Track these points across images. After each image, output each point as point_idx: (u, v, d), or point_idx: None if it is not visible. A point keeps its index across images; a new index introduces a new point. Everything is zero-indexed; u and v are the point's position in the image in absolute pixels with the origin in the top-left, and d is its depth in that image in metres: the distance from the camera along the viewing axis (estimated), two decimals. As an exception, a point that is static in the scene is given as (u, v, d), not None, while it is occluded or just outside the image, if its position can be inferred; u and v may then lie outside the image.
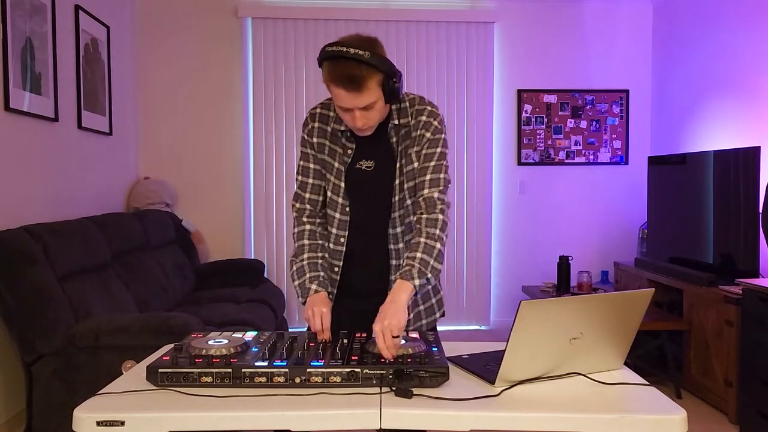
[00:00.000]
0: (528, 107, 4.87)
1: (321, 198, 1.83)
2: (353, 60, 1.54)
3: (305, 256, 1.78)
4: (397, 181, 1.75)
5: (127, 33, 4.49)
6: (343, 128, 1.74)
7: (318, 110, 1.80)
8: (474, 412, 1.25)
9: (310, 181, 1.81)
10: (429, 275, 1.62)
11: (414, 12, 4.70)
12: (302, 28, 4.65)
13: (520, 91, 4.86)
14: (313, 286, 1.71)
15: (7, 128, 2.94)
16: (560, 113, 4.88)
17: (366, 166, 1.76)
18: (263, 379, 1.35)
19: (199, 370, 1.36)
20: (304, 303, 1.71)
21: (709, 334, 3.36)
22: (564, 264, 4.23)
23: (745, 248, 3.30)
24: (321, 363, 1.38)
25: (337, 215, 1.79)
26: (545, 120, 4.88)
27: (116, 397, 1.32)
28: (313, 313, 1.65)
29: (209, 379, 1.36)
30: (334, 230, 1.80)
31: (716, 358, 3.30)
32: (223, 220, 4.74)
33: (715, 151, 3.57)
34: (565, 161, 4.90)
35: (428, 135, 1.73)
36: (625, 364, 1.58)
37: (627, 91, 4.92)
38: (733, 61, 3.88)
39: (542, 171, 4.92)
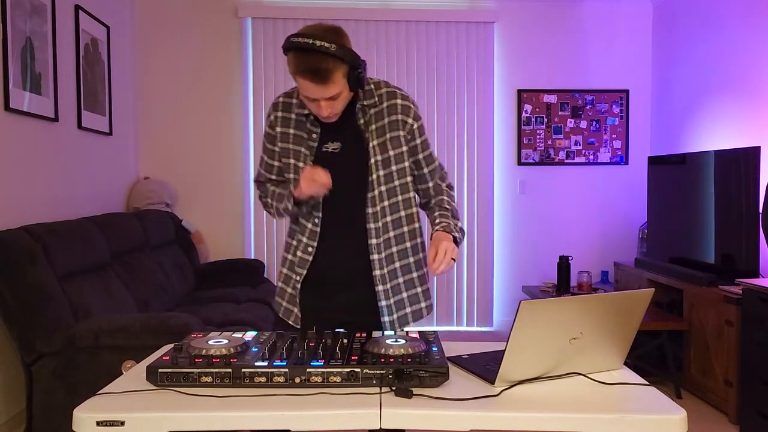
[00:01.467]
0: (528, 107, 4.87)
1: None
2: (319, 52, 1.56)
3: (272, 188, 1.86)
4: (372, 160, 1.76)
5: (127, 33, 4.49)
6: (306, 112, 1.77)
7: (281, 99, 1.82)
8: (474, 412, 1.25)
9: (262, 172, 1.89)
10: (458, 236, 1.78)
11: (414, 12, 4.70)
12: (302, 28, 4.64)
13: (520, 91, 4.86)
14: (291, 186, 1.75)
15: (7, 128, 2.94)
16: (560, 113, 4.88)
17: (332, 149, 1.77)
18: (263, 379, 1.35)
19: (199, 370, 1.36)
20: (294, 204, 1.75)
21: (709, 334, 3.36)
22: (564, 264, 4.23)
23: (745, 248, 3.30)
24: (321, 363, 1.38)
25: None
26: (545, 120, 4.88)
27: (116, 397, 1.32)
28: (307, 174, 1.66)
29: (209, 379, 1.36)
30: (309, 210, 1.80)
31: (716, 358, 3.30)
32: (223, 220, 4.74)
33: (715, 151, 3.57)
34: (565, 161, 4.90)
35: (411, 120, 1.78)
36: (625, 364, 1.58)
37: (627, 91, 4.92)
38: (733, 61, 3.88)
39: (542, 171, 4.92)
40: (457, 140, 4.79)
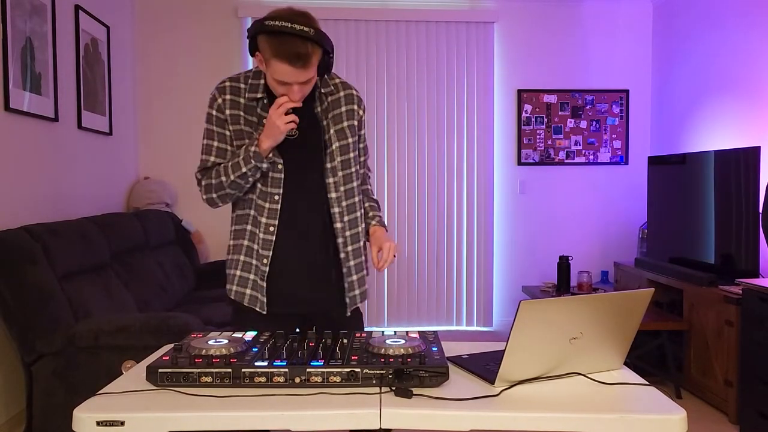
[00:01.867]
0: (528, 107, 4.87)
1: None
2: (299, 37, 1.57)
3: (222, 162, 1.78)
4: (331, 148, 1.81)
5: (127, 33, 4.49)
6: (259, 96, 1.76)
7: (227, 84, 1.80)
8: (474, 412, 1.25)
9: (212, 159, 1.80)
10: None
11: (414, 12, 4.70)
12: (302, 28, 4.64)
13: (520, 91, 4.86)
14: (253, 145, 1.70)
15: (7, 128, 2.94)
16: (560, 113, 4.89)
17: (289, 135, 1.78)
18: (263, 379, 1.35)
19: (199, 370, 1.36)
20: (258, 162, 1.69)
21: (709, 334, 3.36)
22: (564, 264, 4.23)
23: (745, 248, 3.30)
24: (321, 363, 1.38)
25: (269, 173, 1.77)
26: (545, 120, 4.88)
27: (116, 397, 1.32)
28: (272, 113, 1.65)
29: (209, 379, 1.36)
30: (262, 187, 1.79)
31: (716, 358, 3.30)
32: (223, 220, 4.74)
33: (715, 151, 3.57)
34: (565, 161, 4.90)
35: (361, 111, 1.87)
36: (625, 364, 1.58)
37: (627, 91, 4.92)
38: (733, 61, 3.88)
39: (542, 171, 4.92)
40: (457, 140, 4.79)
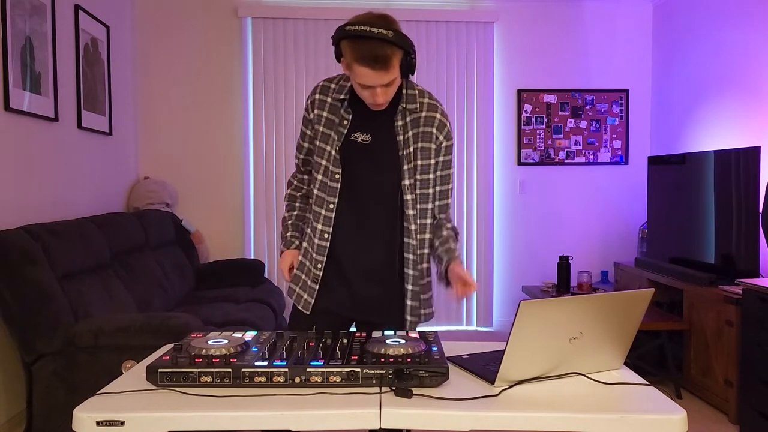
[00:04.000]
0: (528, 107, 4.87)
1: (307, 176, 1.98)
2: (378, 39, 1.58)
3: (285, 214, 2.02)
4: (408, 166, 1.79)
5: (127, 33, 4.49)
6: (342, 97, 1.79)
7: (321, 83, 1.85)
8: (474, 412, 1.25)
9: (301, 156, 1.93)
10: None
11: (414, 12, 4.70)
12: (302, 28, 4.65)
13: (520, 91, 4.86)
14: (283, 245, 1.99)
15: (7, 128, 2.94)
16: (560, 113, 4.89)
17: (362, 139, 1.79)
18: (263, 379, 1.35)
19: (199, 370, 1.36)
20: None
21: (709, 334, 3.36)
22: (564, 264, 4.23)
23: (745, 248, 3.30)
24: (321, 363, 1.38)
25: (328, 181, 1.81)
26: (545, 120, 4.88)
27: (116, 397, 1.32)
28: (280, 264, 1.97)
29: (209, 379, 1.36)
30: (320, 194, 1.83)
31: (716, 358, 3.30)
32: (223, 220, 4.74)
33: (715, 151, 3.57)
34: (565, 161, 4.90)
35: (442, 138, 1.82)
36: (625, 364, 1.58)
37: (627, 91, 4.92)
38: (733, 61, 3.88)
39: (542, 171, 4.92)
40: (457, 140, 4.79)
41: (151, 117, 4.67)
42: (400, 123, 1.79)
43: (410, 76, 1.73)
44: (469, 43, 4.77)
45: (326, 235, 1.82)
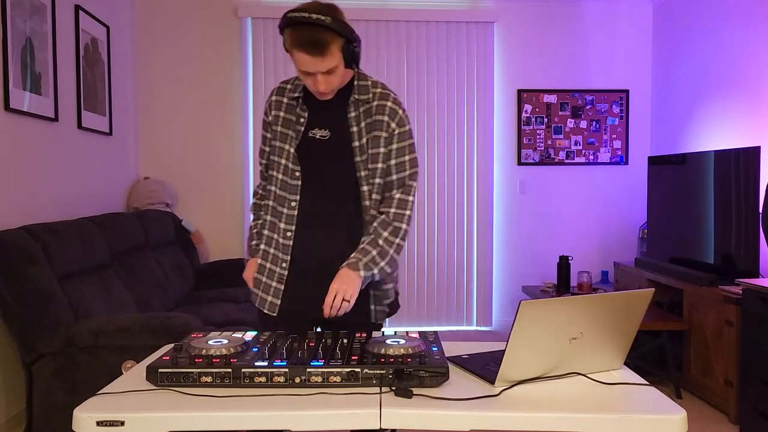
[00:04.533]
0: (528, 107, 4.87)
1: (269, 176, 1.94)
2: (316, 25, 1.60)
3: (251, 224, 1.99)
4: (359, 158, 1.78)
5: (127, 33, 4.49)
6: (296, 95, 1.80)
7: (280, 85, 1.87)
8: (474, 412, 1.25)
9: (264, 161, 1.93)
10: (375, 272, 1.75)
11: (414, 12, 4.70)
12: (302, 28, 4.64)
13: (520, 91, 4.86)
14: (248, 255, 1.96)
15: (7, 128, 2.94)
16: (560, 113, 4.88)
17: (320, 135, 1.79)
18: (263, 379, 1.35)
19: (199, 370, 1.36)
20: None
21: (709, 334, 3.36)
22: (564, 264, 4.23)
23: (745, 248, 3.30)
24: (321, 363, 1.38)
25: (288, 179, 1.81)
26: (545, 120, 4.88)
27: (116, 397, 1.32)
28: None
29: (209, 379, 1.36)
30: (281, 192, 1.82)
31: (716, 358, 3.30)
32: (223, 220, 4.74)
33: (715, 151, 3.57)
34: (565, 161, 4.90)
35: (394, 125, 1.79)
36: (625, 364, 1.58)
37: (627, 91, 4.92)
38: (733, 61, 3.88)
39: (542, 171, 4.92)
40: (457, 140, 4.79)
41: (151, 117, 4.67)
42: (352, 114, 1.79)
43: (356, 66, 1.74)
44: (469, 43, 4.77)
45: (289, 234, 1.81)
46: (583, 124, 4.90)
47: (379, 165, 1.79)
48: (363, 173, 1.79)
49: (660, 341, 3.58)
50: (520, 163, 4.89)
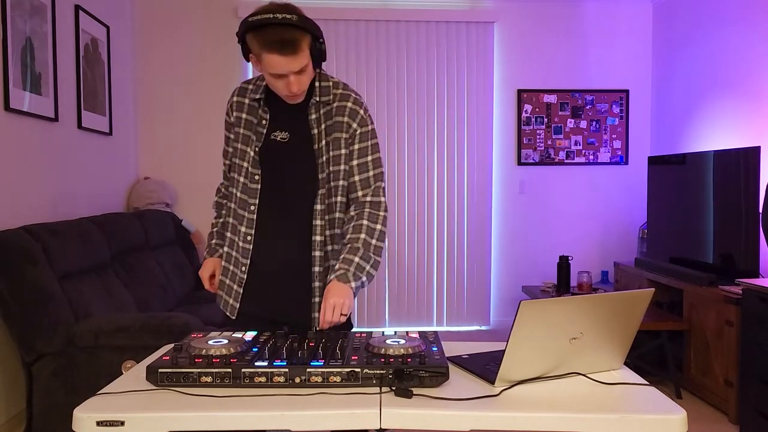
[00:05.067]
0: (528, 107, 4.87)
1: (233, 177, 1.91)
2: (284, 25, 1.58)
3: (213, 221, 1.98)
4: (321, 159, 1.76)
5: (127, 33, 4.49)
6: (258, 96, 1.77)
7: (241, 86, 1.85)
8: (474, 412, 1.25)
9: (227, 161, 1.90)
10: (364, 279, 1.72)
11: (414, 12, 4.70)
12: (302, 28, 4.64)
13: (520, 91, 4.86)
14: (206, 253, 1.95)
15: (7, 128, 2.94)
16: (560, 113, 4.89)
17: (281, 138, 1.77)
18: (263, 379, 1.35)
19: (199, 370, 1.36)
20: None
21: (709, 334, 3.36)
22: (564, 264, 4.23)
23: (745, 248, 3.30)
24: (321, 363, 1.38)
25: (248, 183, 1.78)
26: (545, 120, 4.88)
27: (116, 397, 1.32)
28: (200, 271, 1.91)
29: (209, 379, 1.36)
30: (242, 196, 1.79)
31: (716, 358, 3.30)
32: (223, 220, 4.73)
33: (715, 151, 3.57)
34: (565, 161, 4.90)
35: (355, 125, 1.78)
36: (625, 364, 1.58)
37: (627, 91, 4.92)
38: (733, 61, 3.88)
39: (542, 171, 4.92)
40: (456, 140, 4.79)
41: (151, 117, 4.67)
42: (313, 116, 1.76)
43: (322, 64, 1.72)
44: (469, 43, 4.77)
45: (249, 238, 1.78)
46: (583, 124, 4.90)
47: (342, 167, 1.77)
48: (322, 175, 1.76)
49: (660, 341, 3.58)
50: (520, 163, 4.89)
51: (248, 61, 1.69)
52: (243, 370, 1.36)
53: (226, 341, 1.48)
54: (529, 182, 4.92)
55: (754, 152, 3.24)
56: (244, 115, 1.80)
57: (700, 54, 4.25)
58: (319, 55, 1.67)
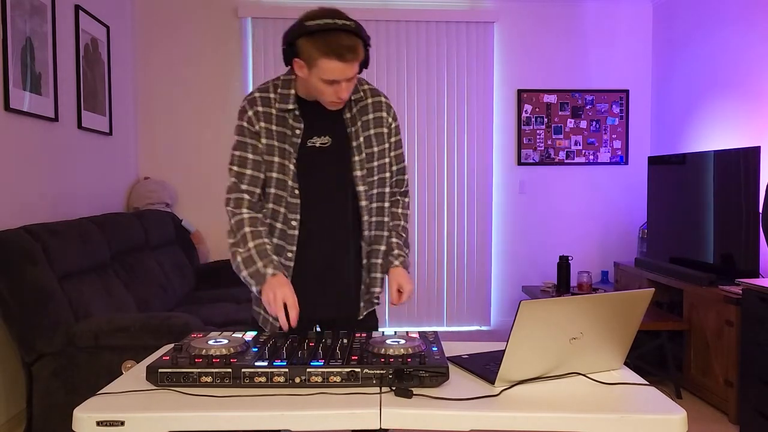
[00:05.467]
0: (528, 107, 4.87)
1: (258, 191, 1.76)
2: (344, 31, 1.56)
3: (251, 244, 1.68)
4: (357, 157, 1.77)
5: (127, 33, 4.49)
6: (290, 107, 1.73)
7: (257, 95, 1.75)
8: (474, 412, 1.25)
9: (248, 172, 1.74)
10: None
11: (414, 12, 4.70)
12: (302, 28, 4.64)
13: (520, 91, 4.86)
14: (270, 270, 1.64)
15: (7, 128, 2.94)
16: (560, 113, 4.88)
17: (321, 143, 1.76)
18: (263, 379, 1.35)
19: (199, 370, 1.36)
20: (258, 292, 1.66)
21: (709, 334, 3.36)
22: (564, 264, 4.23)
23: (745, 248, 3.30)
24: (321, 363, 1.38)
25: (287, 197, 1.75)
26: (545, 120, 4.88)
27: (116, 397, 1.32)
28: (274, 296, 1.59)
29: (209, 379, 1.36)
30: (280, 209, 1.76)
31: (716, 358, 3.30)
32: (223, 220, 4.73)
33: (715, 151, 3.57)
34: (565, 161, 4.90)
35: (390, 119, 1.83)
36: (625, 364, 1.58)
37: (627, 91, 4.92)
38: (733, 61, 3.88)
39: (542, 171, 4.92)
40: (456, 140, 4.79)
41: (151, 117, 4.67)
42: (348, 115, 1.77)
43: (364, 69, 1.72)
44: (469, 43, 4.77)
45: (290, 254, 1.76)
46: (583, 124, 4.90)
47: (380, 162, 1.80)
48: (360, 173, 1.78)
49: (660, 341, 3.58)
50: (520, 163, 4.89)
51: (288, 65, 1.67)
52: (243, 370, 1.36)
53: (226, 341, 1.48)
54: (529, 182, 4.92)
55: (754, 152, 3.24)
56: (274, 127, 1.73)
57: (700, 54, 4.25)
58: (365, 61, 1.68)
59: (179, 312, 3.08)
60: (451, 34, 4.76)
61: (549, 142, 4.89)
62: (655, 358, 3.87)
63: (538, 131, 4.88)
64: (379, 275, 1.86)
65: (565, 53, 4.89)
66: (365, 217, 1.80)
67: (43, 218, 3.25)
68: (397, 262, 1.83)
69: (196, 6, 4.65)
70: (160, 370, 1.36)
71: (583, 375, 1.47)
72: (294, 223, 1.75)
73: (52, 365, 2.61)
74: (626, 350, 1.49)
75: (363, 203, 1.79)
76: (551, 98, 4.87)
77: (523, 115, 4.87)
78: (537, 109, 4.87)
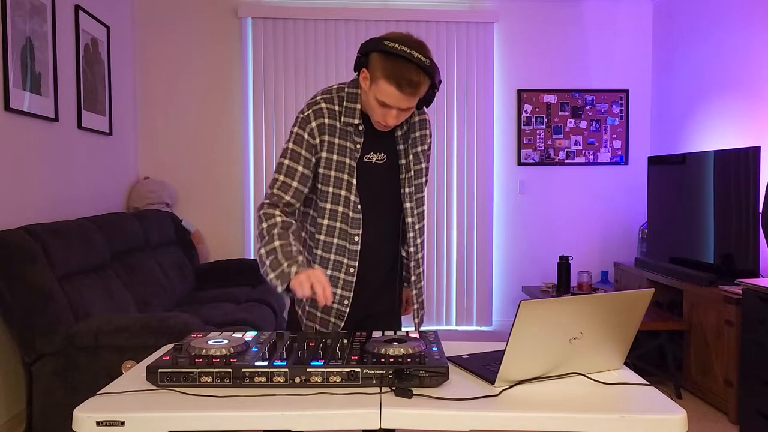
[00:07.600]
0: (528, 107, 4.87)
1: (299, 205, 1.75)
2: (415, 64, 1.56)
3: (276, 244, 1.63)
4: (406, 175, 1.79)
5: (127, 33, 4.49)
6: (356, 122, 1.71)
7: (323, 105, 1.71)
8: (474, 412, 1.25)
9: (294, 184, 1.71)
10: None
11: (414, 12, 4.70)
12: (302, 28, 4.65)
13: (520, 91, 4.86)
14: (294, 269, 1.58)
15: (7, 128, 2.94)
16: (560, 113, 4.88)
17: (377, 159, 1.76)
18: (263, 379, 1.35)
19: (199, 370, 1.36)
20: (286, 289, 1.60)
21: (709, 334, 3.36)
22: (564, 264, 4.23)
23: (745, 248, 3.30)
24: (321, 363, 1.38)
25: (349, 212, 1.74)
26: (545, 120, 4.88)
27: (116, 397, 1.32)
28: (307, 276, 1.53)
29: (209, 379, 1.36)
30: (341, 226, 1.75)
31: (716, 358, 3.30)
32: (223, 220, 4.74)
33: (715, 151, 3.57)
34: (565, 161, 4.90)
35: (430, 138, 1.86)
36: (625, 364, 1.58)
37: (627, 91, 4.92)
38: (733, 61, 3.88)
39: (542, 171, 4.92)
40: (456, 140, 4.79)
41: (151, 117, 4.67)
42: (399, 133, 1.78)
43: (424, 106, 1.70)
44: (469, 43, 4.77)
45: (352, 270, 1.76)
46: (583, 124, 4.90)
47: (423, 179, 1.84)
48: (407, 190, 1.79)
49: (660, 341, 3.58)
50: (520, 163, 4.89)
51: (356, 71, 1.67)
52: (243, 370, 1.36)
53: (226, 341, 1.48)
54: (529, 182, 4.91)
55: (754, 152, 3.24)
56: (337, 140, 1.71)
57: (700, 54, 4.25)
58: (427, 99, 1.67)
59: (179, 312, 3.08)
60: (451, 34, 4.76)
61: (549, 142, 4.89)
62: (655, 358, 3.87)
63: (538, 131, 4.88)
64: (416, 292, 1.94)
65: (565, 53, 4.89)
66: (410, 234, 1.82)
67: (43, 218, 3.25)
68: (411, 281, 1.93)
69: (196, 6, 4.65)
70: (160, 370, 1.36)
71: (583, 375, 1.47)
72: (357, 238, 1.75)
73: (52, 365, 2.61)
74: (626, 350, 1.49)
75: (409, 220, 1.81)
76: (551, 98, 4.87)
77: (523, 115, 4.87)
78: (537, 109, 4.87)
